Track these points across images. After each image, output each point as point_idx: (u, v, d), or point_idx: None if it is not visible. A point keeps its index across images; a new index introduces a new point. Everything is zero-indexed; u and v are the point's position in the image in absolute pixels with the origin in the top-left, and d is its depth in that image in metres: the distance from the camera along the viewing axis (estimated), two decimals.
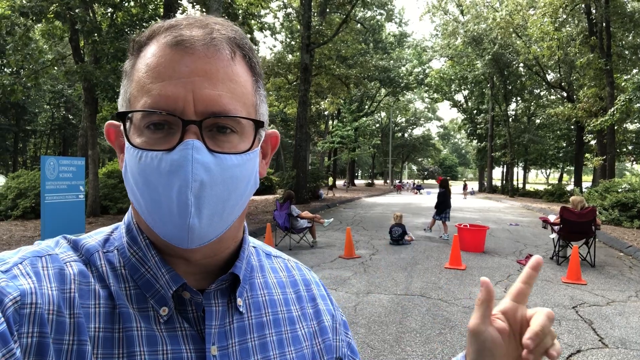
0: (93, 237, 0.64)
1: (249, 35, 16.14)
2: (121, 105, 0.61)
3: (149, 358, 0.55)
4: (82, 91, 13.53)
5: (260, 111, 0.63)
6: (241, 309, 0.65)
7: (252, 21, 17.18)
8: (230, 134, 0.57)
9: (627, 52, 26.55)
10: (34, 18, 11.47)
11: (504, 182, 42.43)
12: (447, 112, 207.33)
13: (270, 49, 36.36)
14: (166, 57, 0.56)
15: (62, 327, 0.52)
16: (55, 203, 8.45)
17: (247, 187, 0.60)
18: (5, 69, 33.87)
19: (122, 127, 0.58)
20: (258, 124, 0.60)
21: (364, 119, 39.32)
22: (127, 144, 0.57)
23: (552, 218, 9.04)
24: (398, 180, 62.24)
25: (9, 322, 0.47)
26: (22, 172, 14.45)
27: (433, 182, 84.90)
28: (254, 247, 0.77)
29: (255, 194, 26.07)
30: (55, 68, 14.87)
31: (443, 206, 11.68)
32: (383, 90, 47.62)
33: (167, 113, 0.54)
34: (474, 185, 51.62)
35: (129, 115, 0.57)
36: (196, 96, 0.54)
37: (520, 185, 44.86)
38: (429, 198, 32.24)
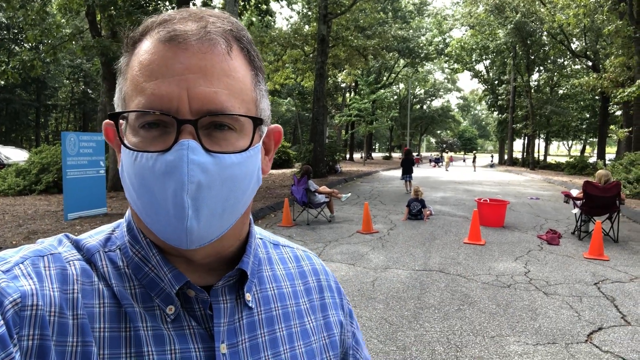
0: (94, 237, 0.63)
1: (265, 7, 15.95)
2: (117, 104, 0.59)
3: (158, 358, 0.54)
4: (100, 66, 13.57)
5: (260, 106, 0.61)
6: (250, 304, 0.64)
7: None
8: (228, 132, 0.55)
9: None
10: None
11: (525, 154, 41.73)
12: (468, 83, 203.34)
13: (287, 19, 35.81)
14: (159, 54, 0.53)
15: (65, 328, 0.51)
16: (76, 178, 8.60)
17: (249, 185, 0.58)
18: (25, 45, 34.18)
19: (116, 127, 0.57)
20: (257, 121, 0.58)
21: (382, 91, 38.77)
22: (123, 145, 0.55)
23: (575, 192, 8.86)
24: (416, 153, 61.73)
25: (8, 325, 0.46)
26: (45, 147, 14.68)
27: (456, 155, 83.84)
28: (260, 238, 0.75)
29: (272, 168, 26.20)
30: (73, 43, 14.88)
31: (404, 170, 16.03)
32: (402, 61, 46.78)
33: (161, 113, 0.52)
34: (494, 158, 50.90)
35: (125, 114, 0.56)
36: (191, 94, 0.52)
37: (542, 158, 44.09)
38: (446, 172, 31.98)
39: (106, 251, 0.61)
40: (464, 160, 37.60)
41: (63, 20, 15.71)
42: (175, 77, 0.52)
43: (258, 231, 0.76)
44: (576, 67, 37.84)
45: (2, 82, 29.07)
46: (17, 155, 17.99)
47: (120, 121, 0.57)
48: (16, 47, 35.91)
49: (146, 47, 0.55)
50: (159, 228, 0.54)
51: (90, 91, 43.80)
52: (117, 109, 0.58)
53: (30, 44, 30.11)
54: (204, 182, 0.52)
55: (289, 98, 45.33)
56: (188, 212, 0.51)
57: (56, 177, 12.82)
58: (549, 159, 45.10)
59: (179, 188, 0.50)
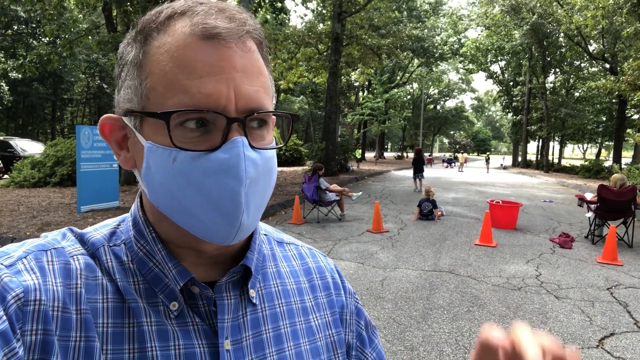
0: (99, 231, 0.62)
1: (279, 4, 15.94)
2: (131, 99, 0.55)
3: (161, 354, 0.54)
4: (115, 61, 13.69)
5: (273, 100, 0.62)
6: (254, 301, 0.64)
7: None
8: (263, 128, 0.58)
9: None
10: None
11: (539, 157, 41.28)
12: (482, 84, 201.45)
13: (301, 17, 35.82)
14: (201, 51, 0.51)
15: (68, 323, 0.51)
16: (90, 172, 8.70)
17: (275, 178, 0.61)
18: (42, 39, 34.62)
19: (132, 124, 0.55)
20: (294, 118, 0.63)
21: (395, 90, 38.56)
22: (148, 143, 0.53)
23: (589, 196, 8.75)
24: (428, 154, 61.37)
25: (11, 320, 0.46)
26: (60, 140, 14.87)
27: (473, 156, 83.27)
28: (265, 234, 0.75)
29: (284, 165, 26.23)
30: (90, 38, 15.06)
31: (415, 169, 16.97)
32: (416, 61, 46.49)
33: (214, 112, 0.51)
34: (507, 160, 50.42)
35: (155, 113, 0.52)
36: (237, 93, 0.52)
37: (556, 161, 43.57)
38: (458, 172, 31.76)
39: (111, 245, 0.60)
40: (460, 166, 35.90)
41: (80, 15, 15.90)
42: (223, 75, 0.51)
43: (262, 227, 0.76)
44: (593, 69, 37.24)
45: (20, 76, 29.53)
46: (32, 148, 18.27)
47: (129, 117, 0.55)
48: (34, 41, 36.38)
49: (178, 42, 0.52)
50: (203, 228, 0.54)
51: (105, 86, 44.21)
52: (129, 105, 0.55)
53: (47, 38, 30.52)
54: (254, 177, 0.53)
55: (301, 96, 45.38)
56: (243, 208, 0.52)
57: (70, 170, 12.98)
58: (564, 162, 44.58)
59: (238, 184, 0.51)
